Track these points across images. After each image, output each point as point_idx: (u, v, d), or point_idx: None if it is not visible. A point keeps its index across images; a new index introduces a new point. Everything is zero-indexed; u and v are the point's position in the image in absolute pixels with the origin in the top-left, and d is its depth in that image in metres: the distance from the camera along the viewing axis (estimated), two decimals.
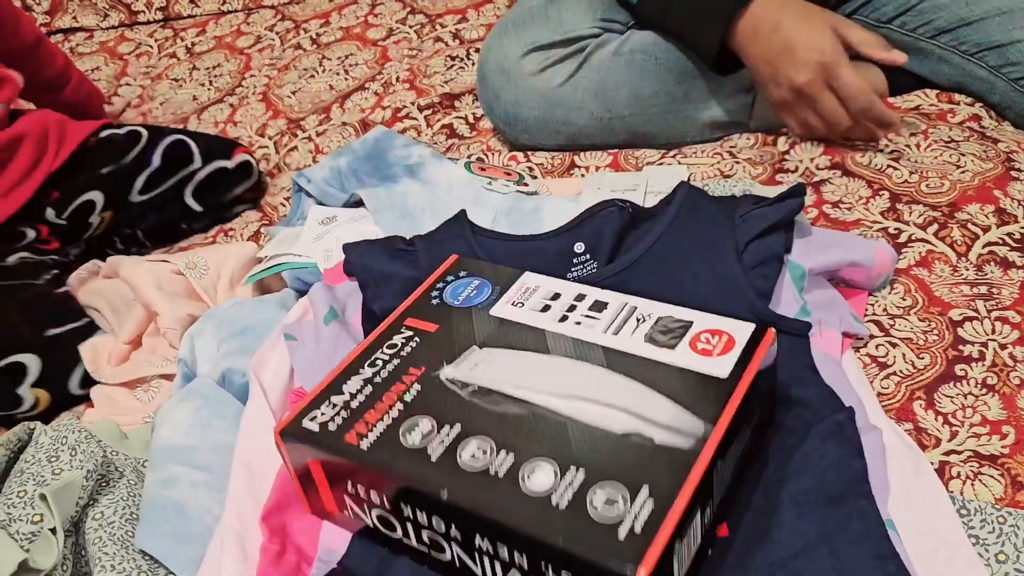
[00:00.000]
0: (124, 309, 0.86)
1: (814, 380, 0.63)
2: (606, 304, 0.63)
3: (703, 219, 0.75)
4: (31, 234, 1.00)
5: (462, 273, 0.70)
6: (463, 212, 0.82)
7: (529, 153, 1.01)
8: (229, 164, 1.06)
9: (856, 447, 0.59)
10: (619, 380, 0.57)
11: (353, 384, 0.61)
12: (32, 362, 0.85)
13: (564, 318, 0.63)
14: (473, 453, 0.54)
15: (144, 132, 1.05)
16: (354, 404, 0.59)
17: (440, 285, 0.69)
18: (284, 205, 1.05)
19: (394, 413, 0.58)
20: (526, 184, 0.91)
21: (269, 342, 0.76)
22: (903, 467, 0.60)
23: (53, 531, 0.63)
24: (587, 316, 0.63)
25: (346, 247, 0.81)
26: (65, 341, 0.88)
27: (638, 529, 0.47)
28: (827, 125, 0.88)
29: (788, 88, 0.86)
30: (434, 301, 0.67)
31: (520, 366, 0.60)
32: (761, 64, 0.88)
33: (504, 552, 0.51)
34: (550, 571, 0.49)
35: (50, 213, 0.99)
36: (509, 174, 0.94)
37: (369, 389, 0.60)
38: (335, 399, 0.60)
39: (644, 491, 0.49)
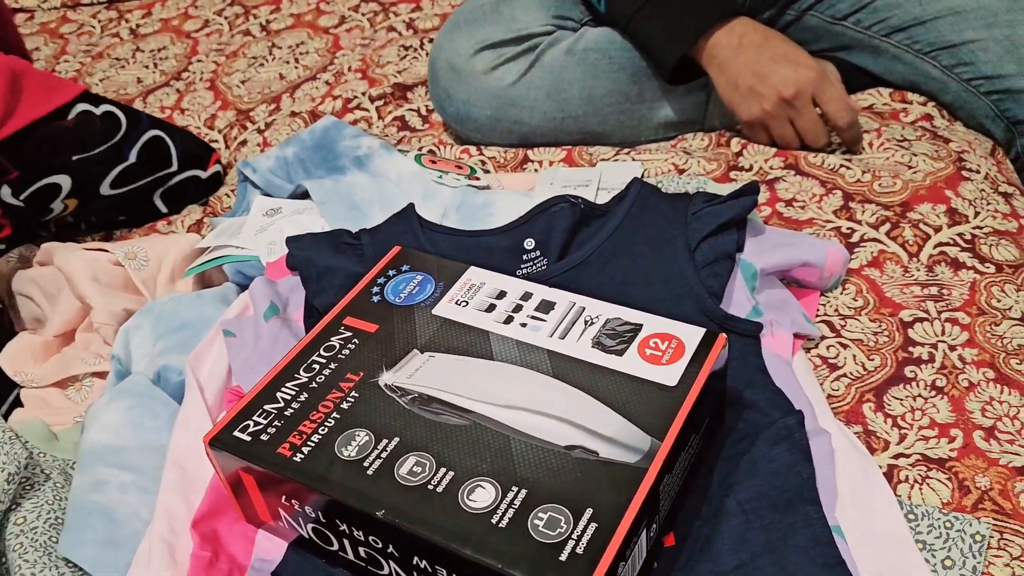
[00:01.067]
0: (57, 298, 0.82)
1: (764, 382, 0.62)
2: (553, 304, 0.62)
3: (655, 217, 0.74)
4: None
5: (404, 267, 0.68)
6: (411, 206, 0.80)
7: (481, 147, 0.99)
8: (204, 174, 1.03)
9: (804, 452, 0.58)
10: (564, 389, 0.55)
11: (288, 391, 0.59)
12: None
13: (509, 319, 0.61)
14: (411, 468, 0.52)
15: (123, 120, 0.98)
16: (288, 412, 0.57)
17: (381, 280, 0.67)
18: (229, 196, 1.02)
19: (330, 423, 0.56)
20: (478, 178, 0.89)
21: (207, 339, 0.73)
22: (852, 472, 0.59)
23: None
24: (533, 317, 0.61)
25: (289, 240, 0.78)
26: None
27: (580, 550, 0.46)
28: (806, 139, 0.88)
29: (772, 99, 0.85)
30: (375, 298, 0.65)
31: (462, 372, 0.58)
32: (743, 74, 0.86)
33: (443, 573, 0.49)
34: None
35: (5, 192, 0.92)
36: (460, 167, 0.92)
37: (304, 396, 0.58)
38: (268, 407, 0.57)
39: (588, 512, 0.48)
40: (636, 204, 0.76)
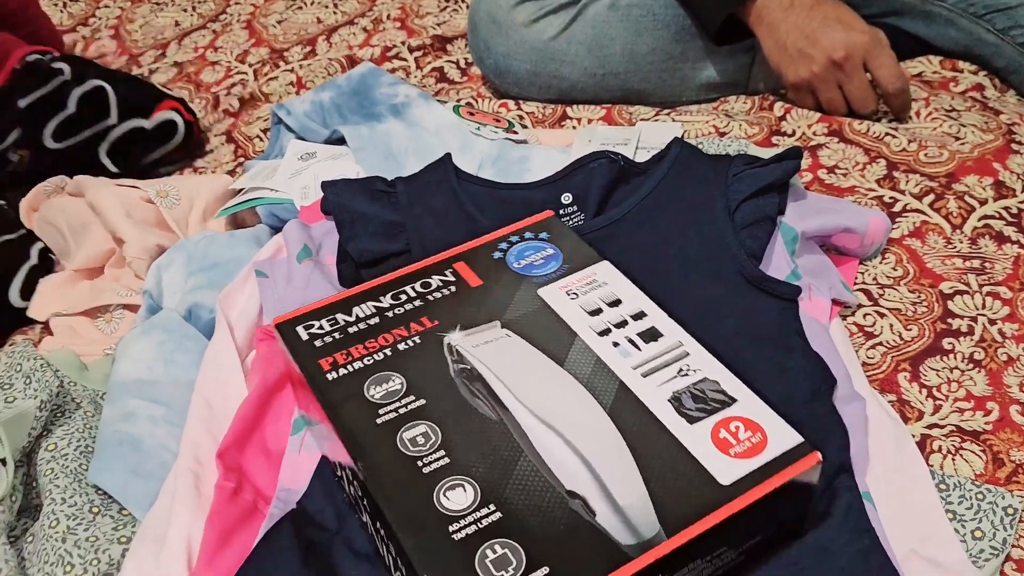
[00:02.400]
0: (83, 232, 0.82)
1: (801, 347, 0.61)
2: (660, 336, 0.55)
3: (695, 177, 0.73)
4: None
5: (543, 234, 0.64)
6: (448, 156, 0.79)
7: (520, 102, 0.98)
8: (147, 124, 0.98)
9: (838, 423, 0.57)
10: (606, 432, 0.49)
11: (365, 309, 0.58)
12: None
13: (607, 331, 0.56)
14: (415, 437, 0.50)
15: (66, 68, 0.97)
16: (351, 329, 0.57)
17: (514, 239, 0.63)
18: (261, 138, 1.01)
19: (378, 357, 0.55)
20: (515, 132, 0.88)
21: (239, 278, 0.73)
22: (884, 439, 0.59)
23: (3, 462, 0.61)
24: (631, 341, 0.55)
25: (325, 184, 0.78)
26: (1, 251, 0.84)
27: None
28: (854, 104, 0.86)
29: (822, 62, 0.83)
30: (496, 254, 0.62)
31: (523, 365, 0.53)
32: (793, 36, 0.84)
33: (391, 552, 0.48)
34: None
35: None
36: (499, 120, 0.90)
37: (375, 321, 0.57)
38: (340, 316, 0.58)
39: (543, 571, 0.43)
40: (676, 164, 0.74)
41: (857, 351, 0.66)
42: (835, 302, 0.67)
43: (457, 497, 0.46)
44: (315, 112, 0.94)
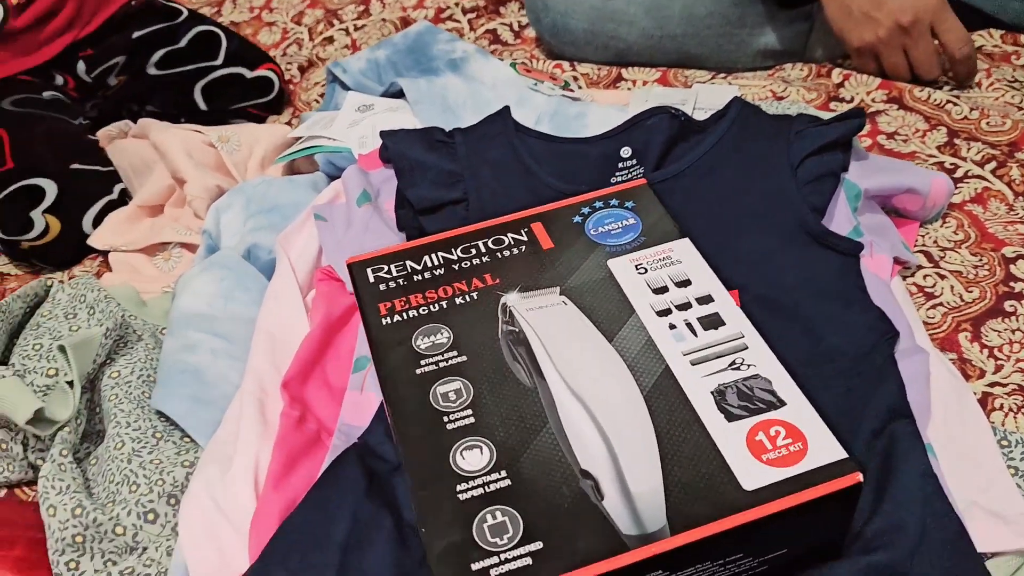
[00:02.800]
0: (145, 172, 0.83)
1: (864, 301, 0.61)
2: (722, 325, 0.52)
3: (756, 133, 0.72)
4: (59, 79, 0.98)
5: (629, 203, 0.62)
6: (507, 109, 0.79)
7: (574, 63, 0.98)
8: (248, 74, 1.01)
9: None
10: (638, 416, 0.48)
11: (434, 259, 0.59)
12: (50, 188, 0.83)
13: (666, 311, 0.54)
14: (447, 392, 0.50)
15: (184, 11, 1.02)
16: (416, 278, 0.57)
17: (597, 204, 0.62)
18: (318, 102, 1.02)
19: (433, 308, 0.55)
20: (572, 90, 0.88)
21: (298, 220, 0.74)
22: (945, 393, 0.58)
23: (70, 384, 0.62)
24: (689, 325, 0.52)
25: (384, 133, 0.78)
26: (87, 177, 0.86)
27: (496, 573, 0.42)
28: (918, 69, 0.85)
29: (888, 25, 0.82)
30: (575, 219, 0.61)
31: (570, 336, 0.52)
32: None
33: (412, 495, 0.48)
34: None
35: (81, 67, 0.96)
36: (555, 79, 0.91)
37: (440, 272, 0.58)
38: (409, 263, 0.58)
39: (537, 545, 0.43)
40: (737, 121, 0.74)
41: (917, 311, 0.66)
42: (896, 261, 0.67)
43: (472, 458, 0.46)
44: (371, 70, 0.95)
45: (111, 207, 0.86)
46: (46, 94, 0.94)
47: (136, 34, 0.98)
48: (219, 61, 1.00)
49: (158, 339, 0.71)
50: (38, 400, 0.60)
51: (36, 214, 0.82)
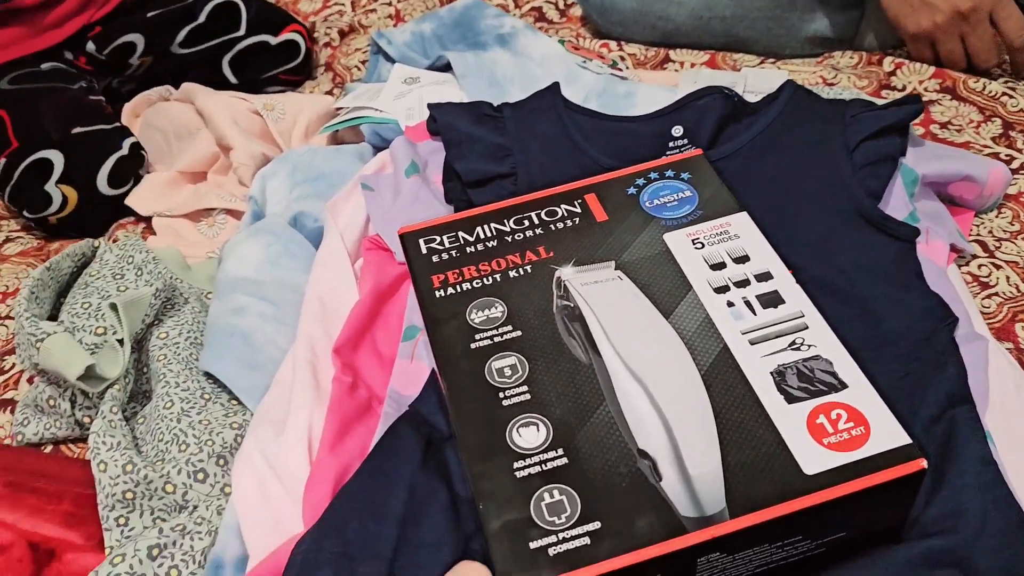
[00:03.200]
0: (188, 137, 0.83)
1: (921, 287, 0.60)
2: (781, 303, 0.51)
3: (811, 116, 0.72)
4: (68, 55, 0.97)
5: (684, 174, 0.61)
6: (556, 85, 0.78)
7: (621, 43, 0.97)
8: (272, 40, 1.00)
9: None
10: (696, 396, 0.47)
11: (487, 230, 0.58)
12: (56, 158, 0.83)
13: (724, 288, 0.52)
14: (503, 368, 0.49)
15: None
16: (469, 249, 0.57)
17: (652, 175, 0.61)
18: (359, 68, 1.01)
19: (487, 281, 0.55)
20: (620, 69, 0.88)
21: (345, 190, 0.74)
22: (1002, 382, 0.58)
23: (120, 342, 0.62)
24: (747, 303, 0.51)
25: (432, 105, 0.78)
26: (92, 138, 0.85)
27: (553, 552, 0.41)
28: (976, 58, 0.84)
29: (947, 12, 0.81)
30: (629, 190, 0.60)
31: (627, 312, 0.51)
32: None
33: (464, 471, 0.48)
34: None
35: (90, 46, 0.95)
36: (603, 57, 0.90)
37: (493, 244, 0.57)
38: (462, 234, 0.58)
39: (595, 525, 0.42)
40: (790, 104, 0.73)
41: (973, 299, 0.65)
42: (952, 249, 0.66)
43: (529, 435, 0.46)
44: (415, 42, 0.94)
45: (123, 162, 0.85)
46: (44, 66, 0.93)
47: (150, 14, 0.96)
48: (242, 31, 1.00)
49: (204, 303, 0.71)
50: (89, 357, 0.60)
51: (51, 187, 0.82)
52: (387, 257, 0.68)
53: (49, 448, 0.65)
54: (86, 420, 0.63)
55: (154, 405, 0.61)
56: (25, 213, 0.83)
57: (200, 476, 0.56)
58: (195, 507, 0.55)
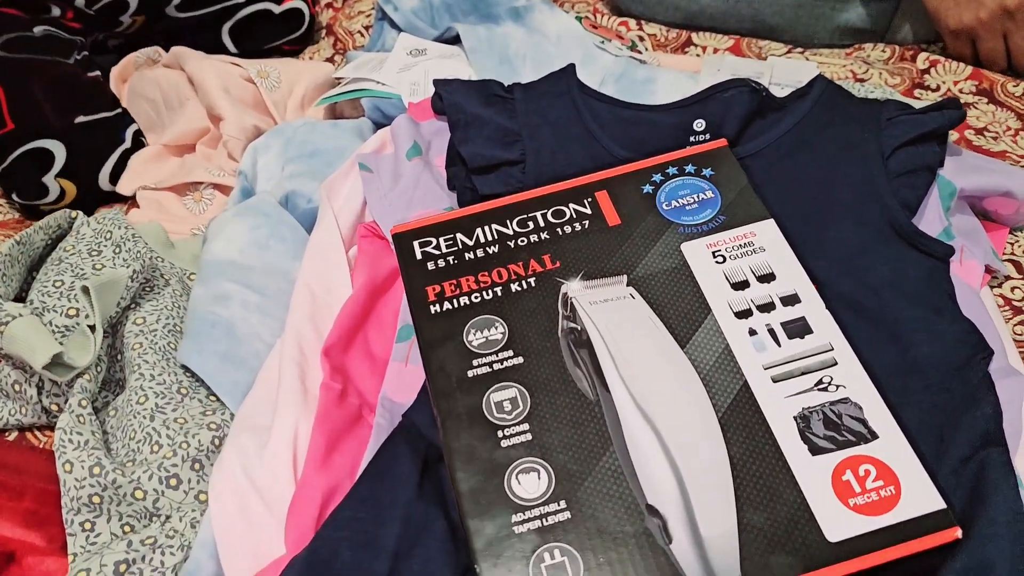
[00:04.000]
0: (179, 107, 0.78)
1: (953, 311, 0.56)
2: (809, 332, 0.47)
3: (843, 116, 0.67)
4: (56, 11, 0.91)
5: (706, 170, 0.56)
6: (572, 67, 0.74)
7: (641, 22, 0.92)
8: (276, 8, 0.94)
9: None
10: (713, 444, 0.43)
11: (487, 233, 0.53)
12: (58, 150, 0.78)
13: (747, 313, 0.48)
14: (502, 401, 0.45)
15: None
16: (467, 256, 0.52)
17: (671, 171, 0.56)
18: (362, 34, 0.96)
19: (486, 296, 0.50)
20: (640, 52, 0.83)
21: (342, 170, 0.69)
22: None
23: (91, 328, 0.58)
24: (771, 332, 0.47)
25: (438, 82, 0.73)
26: (95, 129, 0.80)
27: None
28: (1018, 59, 0.79)
29: (992, 8, 0.76)
30: (646, 188, 0.55)
31: (639, 340, 0.47)
32: None
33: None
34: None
35: (79, 0, 0.89)
36: (622, 38, 0.85)
37: (494, 249, 0.52)
38: (460, 237, 0.53)
39: None
40: (820, 101, 0.69)
41: (1006, 325, 0.61)
42: (986, 270, 0.62)
43: (529, 483, 0.43)
44: (423, 11, 0.89)
45: (126, 156, 0.80)
46: (37, 30, 0.86)
47: None
48: None
49: (186, 285, 0.67)
50: (57, 344, 0.56)
51: (49, 179, 0.77)
52: (383, 247, 0.63)
53: (14, 435, 0.60)
54: (53, 407, 0.59)
55: (127, 399, 0.57)
56: (14, 196, 0.78)
57: (173, 482, 0.52)
58: (167, 517, 0.51)
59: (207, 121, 0.78)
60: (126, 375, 0.59)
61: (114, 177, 0.80)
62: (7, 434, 0.61)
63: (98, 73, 0.86)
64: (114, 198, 0.81)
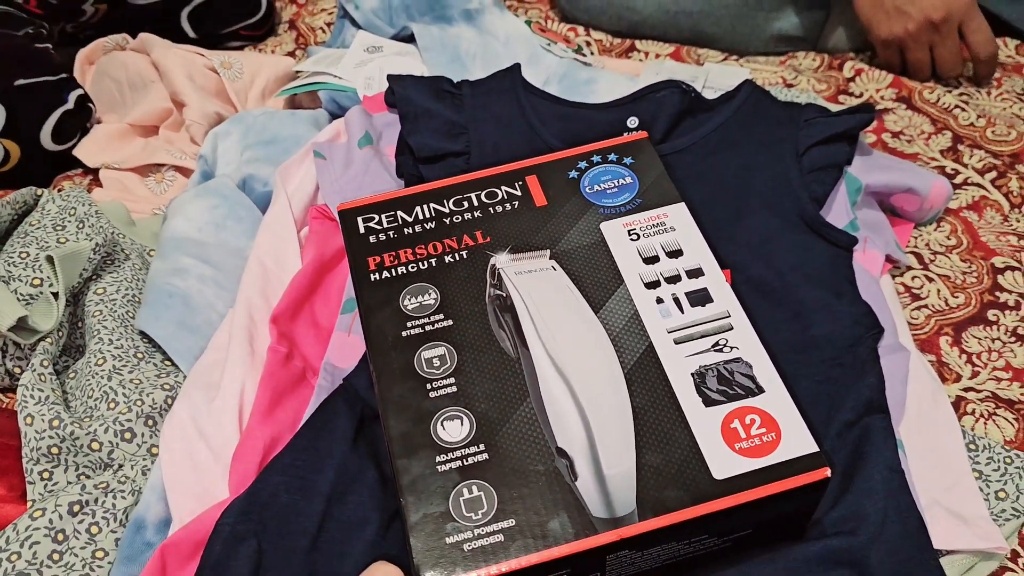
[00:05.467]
0: (143, 89, 0.82)
1: (852, 294, 0.62)
2: (709, 301, 0.52)
3: (765, 118, 0.72)
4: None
5: (627, 159, 0.61)
6: (517, 66, 0.78)
7: (589, 28, 0.97)
8: None
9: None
10: (618, 396, 0.47)
11: (427, 210, 0.58)
12: None
13: (655, 284, 0.53)
14: (431, 358, 0.50)
15: None
16: (407, 231, 0.56)
17: (595, 159, 0.61)
18: (324, 30, 1.00)
19: (421, 266, 0.54)
20: (584, 55, 0.88)
21: (297, 156, 0.73)
22: (920, 393, 0.59)
23: (55, 295, 0.61)
24: (676, 299, 0.52)
25: (391, 77, 0.77)
26: (35, 91, 0.82)
27: (469, 548, 0.42)
28: (942, 67, 0.86)
29: (919, 20, 0.83)
30: (571, 174, 0.60)
31: (557, 305, 0.52)
32: None
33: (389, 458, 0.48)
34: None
35: None
36: (568, 42, 0.90)
37: (432, 225, 0.57)
38: (401, 214, 0.57)
39: (510, 523, 0.43)
40: (746, 103, 0.74)
41: (902, 310, 0.67)
42: (887, 260, 0.68)
43: (453, 429, 0.47)
44: (383, 10, 0.93)
45: (68, 116, 0.82)
46: None
47: None
48: None
49: (145, 260, 0.70)
50: (22, 308, 0.59)
51: None
52: (332, 227, 0.68)
53: None
54: (16, 370, 0.63)
55: (86, 361, 0.60)
56: None
57: (127, 435, 0.56)
58: (120, 466, 0.55)
59: (170, 103, 0.82)
60: (86, 341, 0.63)
61: (57, 136, 0.82)
62: None
63: (48, 46, 0.88)
64: (67, 163, 0.83)
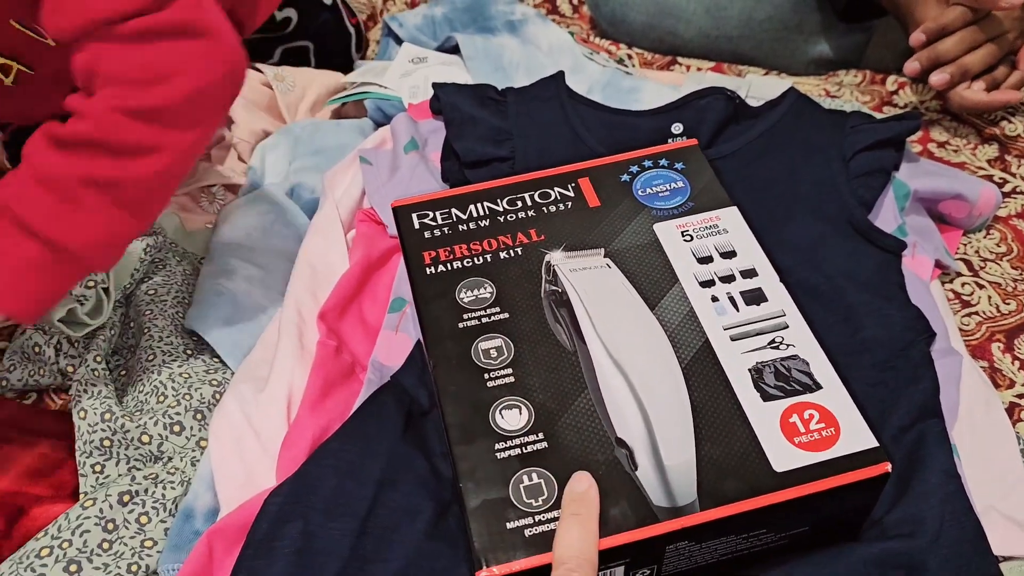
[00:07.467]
0: None
1: (902, 298, 0.61)
2: (763, 301, 0.52)
3: (810, 124, 0.72)
4: None
5: (679, 164, 0.62)
6: (561, 74, 0.79)
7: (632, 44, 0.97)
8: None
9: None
10: (676, 389, 0.48)
11: (480, 208, 0.58)
12: None
13: (710, 283, 0.53)
14: (489, 349, 0.50)
15: None
16: (461, 227, 0.57)
17: (647, 163, 0.62)
18: (371, 59, 1.02)
19: (477, 262, 0.55)
20: (626, 66, 0.88)
21: (344, 162, 0.74)
22: (974, 398, 0.58)
23: (106, 291, 0.63)
24: (731, 298, 0.52)
25: (436, 85, 0.78)
26: None
27: (529, 534, 0.43)
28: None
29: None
30: (623, 177, 0.61)
31: (613, 301, 0.52)
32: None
33: (446, 448, 0.48)
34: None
35: None
36: (611, 53, 0.90)
37: (486, 223, 0.57)
38: (455, 211, 0.58)
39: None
40: (791, 110, 0.74)
41: (953, 316, 0.66)
42: (937, 265, 0.67)
43: (511, 418, 0.47)
44: (426, 26, 0.95)
45: None
46: None
47: None
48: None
49: (196, 266, 0.72)
50: (73, 300, 0.61)
51: None
52: (379, 230, 0.68)
53: (32, 398, 0.65)
54: (69, 369, 0.64)
55: (137, 358, 0.61)
56: None
57: (176, 428, 0.56)
58: (170, 458, 0.55)
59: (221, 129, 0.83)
60: (137, 339, 0.64)
61: None
62: (27, 395, 0.65)
63: None
64: None
